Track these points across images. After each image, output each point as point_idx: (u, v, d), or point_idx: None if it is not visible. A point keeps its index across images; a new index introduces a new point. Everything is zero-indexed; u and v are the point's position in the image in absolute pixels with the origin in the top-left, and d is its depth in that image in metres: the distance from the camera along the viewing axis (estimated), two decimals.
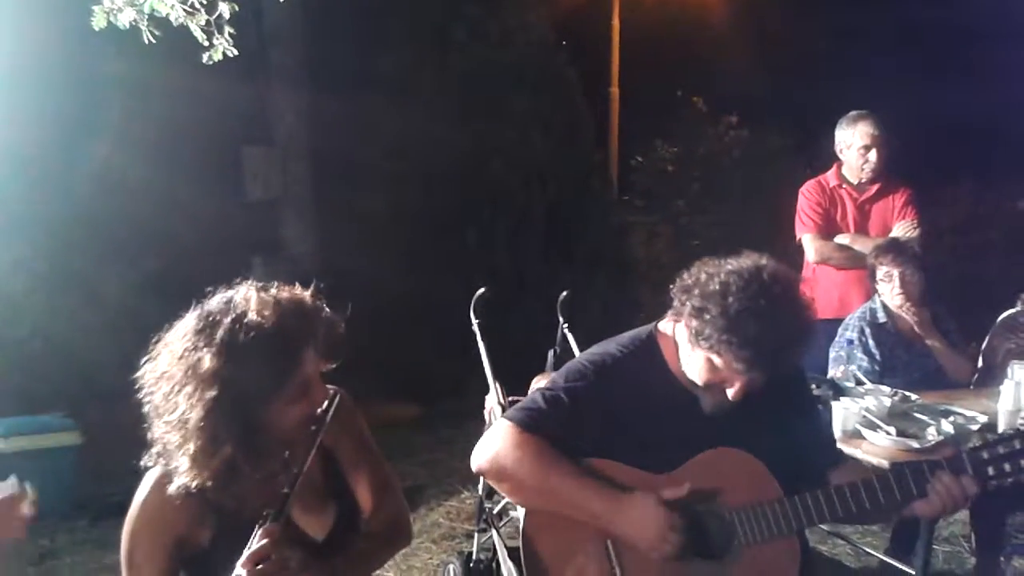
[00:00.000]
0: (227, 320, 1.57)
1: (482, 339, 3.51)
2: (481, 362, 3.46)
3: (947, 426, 2.79)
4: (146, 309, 5.83)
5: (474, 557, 3.52)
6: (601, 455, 2.03)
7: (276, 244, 6.71)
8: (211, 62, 3.26)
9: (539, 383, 2.98)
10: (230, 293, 1.64)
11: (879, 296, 3.61)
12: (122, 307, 5.83)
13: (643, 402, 2.04)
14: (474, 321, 3.54)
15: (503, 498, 3.47)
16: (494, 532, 3.37)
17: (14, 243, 5.56)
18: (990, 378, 3.55)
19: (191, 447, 1.54)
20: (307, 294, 1.68)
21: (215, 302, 1.63)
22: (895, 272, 3.52)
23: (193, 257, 5.93)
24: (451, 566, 3.53)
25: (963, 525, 4.09)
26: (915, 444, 2.67)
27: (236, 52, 3.25)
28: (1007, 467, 1.89)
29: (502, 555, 3.31)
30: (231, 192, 6.72)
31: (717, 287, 1.89)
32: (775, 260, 1.98)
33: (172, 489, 1.60)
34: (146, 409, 1.63)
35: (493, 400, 3.29)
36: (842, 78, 9.96)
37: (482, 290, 3.56)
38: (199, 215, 5.98)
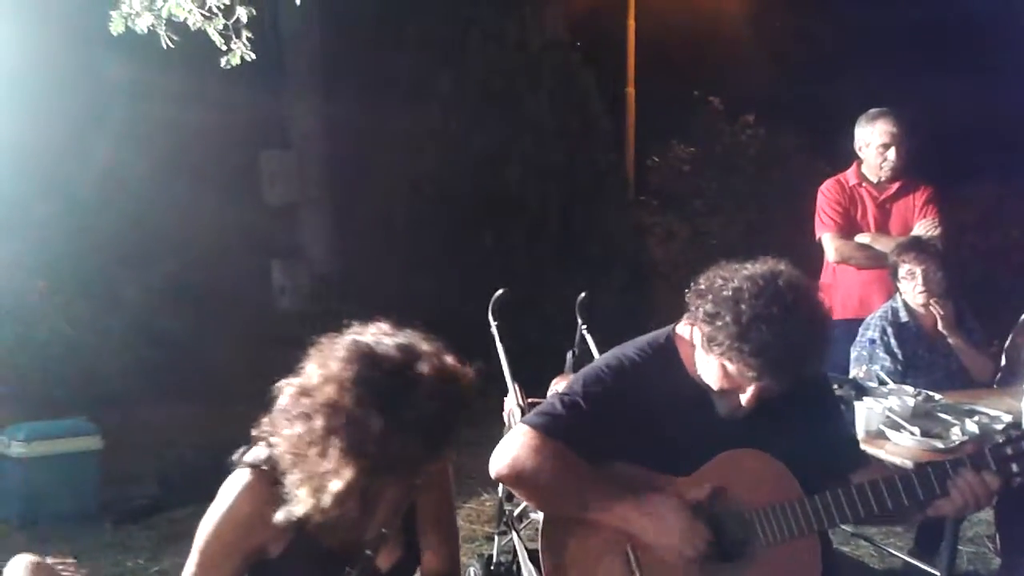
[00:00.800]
0: (401, 384, 1.51)
1: (500, 341, 3.50)
2: (499, 364, 3.45)
3: (971, 426, 2.76)
4: (164, 313, 5.90)
5: (494, 560, 3.51)
6: (620, 459, 2.02)
7: (294, 248, 6.74)
8: (229, 67, 3.28)
9: (558, 384, 2.97)
10: (406, 340, 1.58)
11: (901, 295, 3.58)
12: (140, 311, 5.89)
13: (662, 406, 2.03)
14: (492, 323, 3.53)
15: (523, 500, 3.47)
16: (514, 535, 3.36)
17: (33, 248, 5.61)
18: (1013, 377, 3.51)
19: (319, 495, 1.51)
20: (471, 375, 1.63)
21: (386, 345, 1.55)
22: (918, 270, 3.49)
23: (211, 261, 5.98)
24: (471, 569, 3.53)
25: (988, 526, 4.05)
26: (940, 444, 2.64)
27: (254, 56, 3.26)
28: None
29: (522, 558, 3.30)
30: (249, 197, 6.76)
31: (730, 293, 1.87)
32: (792, 266, 1.96)
33: (266, 499, 1.58)
34: (278, 409, 1.59)
35: (512, 402, 3.29)
36: (860, 76, 9.88)
37: (500, 291, 3.54)
38: (217, 219, 6.03)
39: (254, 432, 1.64)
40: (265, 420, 1.63)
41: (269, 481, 1.59)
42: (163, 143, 6.07)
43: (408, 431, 1.48)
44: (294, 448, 1.52)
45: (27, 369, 5.41)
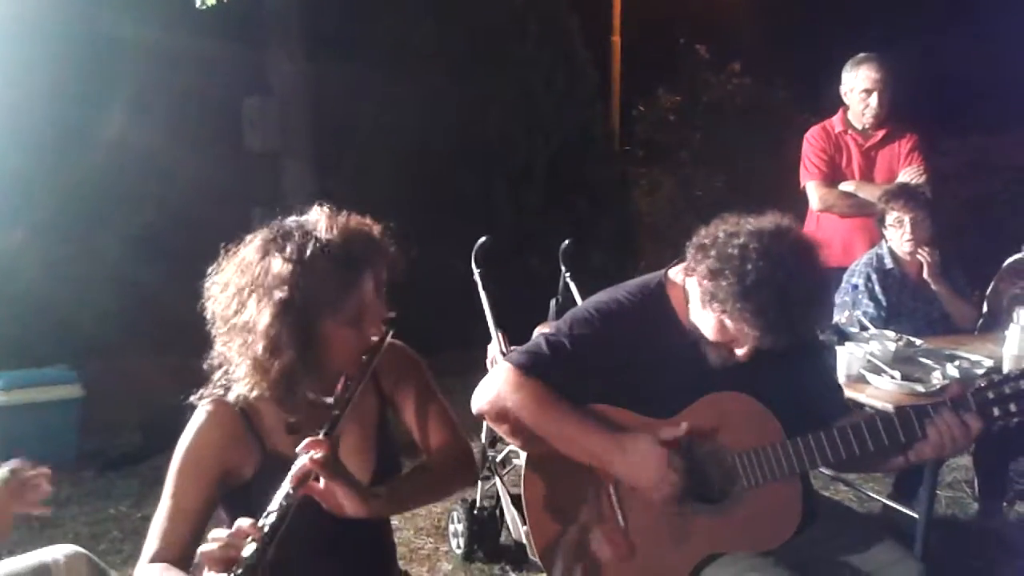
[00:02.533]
0: (298, 233, 1.65)
1: (484, 288, 3.49)
2: (483, 313, 3.44)
3: (952, 370, 2.78)
4: (144, 263, 5.84)
5: (478, 504, 3.53)
6: (603, 401, 2.02)
7: (275, 196, 6.66)
8: (204, 6, 3.20)
9: (541, 331, 2.96)
10: (303, 215, 1.71)
11: (887, 242, 3.57)
12: (119, 260, 5.83)
13: (648, 350, 2.02)
14: (475, 270, 3.52)
15: (506, 447, 3.48)
16: (497, 480, 3.39)
17: (10, 197, 5.52)
18: (994, 323, 3.54)
19: (255, 350, 1.60)
20: (376, 226, 1.73)
21: (287, 220, 1.70)
22: (906, 217, 3.47)
23: (191, 210, 5.89)
24: (455, 513, 3.55)
25: (966, 471, 4.12)
26: (920, 388, 2.65)
27: None
28: (1012, 407, 1.87)
29: (505, 502, 3.33)
30: (230, 145, 6.66)
31: (735, 252, 1.84)
32: (792, 221, 1.94)
33: (228, 423, 1.68)
34: (210, 319, 1.68)
35: (495, 349, 3.28)
36: (849, 23, 9.82)
37: (483, 239, 3.52)
38: (197, 168, 5.93)
39: (205, 367, 1.71)
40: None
41: (228, 405, 1.69)
42: (141, 90, 5.95)
43: (312, 266, 1.60)
44: (227, 329, 1.64)
45: (6, 318, 5.36)
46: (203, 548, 1.40)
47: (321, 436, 1.57)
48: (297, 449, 1.55)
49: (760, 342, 1.89)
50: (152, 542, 1.61)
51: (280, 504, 1.46)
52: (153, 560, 1.59)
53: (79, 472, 4.38)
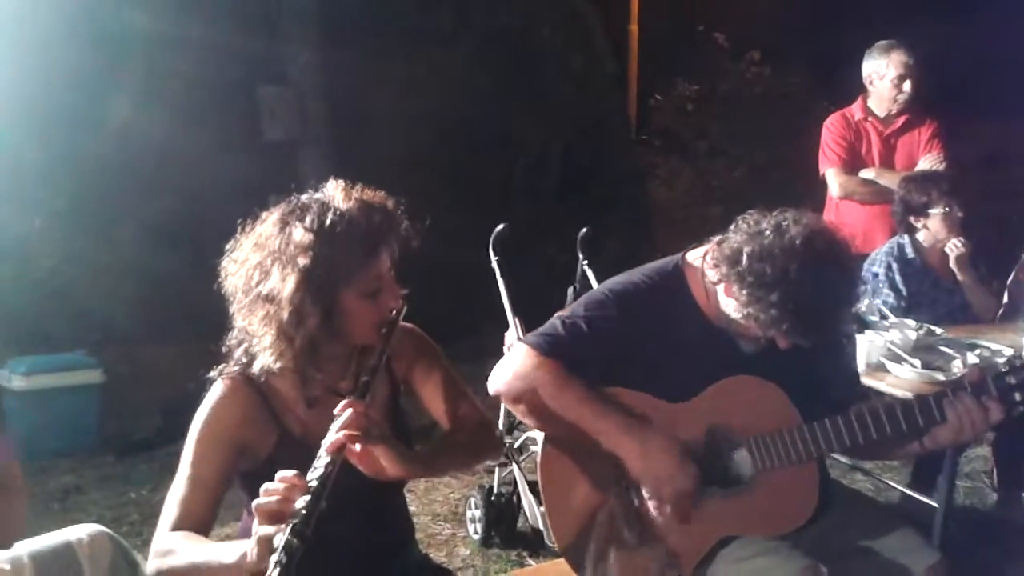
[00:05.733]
0: (316, 205, 1.68)
1: (501, 276, 3.49)
2: (499, 301, 3.45)
3: (973, 359, 2.75)
4: (162, 250, 5.87)
5: (495, 491, 3.55)
6: (618, 384, 2.02)
7: (293, 185, 6.68)
8: None
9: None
10: (319, 191, 1.74)
11: (922, 230, 3.50)
12: (138, 248, 5.86)
13: (665, 333, 2.02)
14: (493, 258, 3.52)
15: (523, 433, 3.49)
16: (515, 466, 3.40)
17: (32, 184, 5.57)
18: (1015, 312, 3.50)
19: (280, 318, 1.62)
20: (390, 200, 1.75)
21: (303, 196, 1.73)
22: (943, 206, 3.42)
23: (208, 198, 5.92)
24: (472, 499, 3.57)
25: (985, 461, 4.09)
26: (940, 376, 2.63)
27: None
28: None
29: (522, 488, 3.35)
30: (247, 133, 6.67)
31: (770, 271, 1.82)
32: (818, 217, 1.93)
33: (245, 396, 1.70)
34: (229, 296, 1.69)
35: (513, 337, 3.29)
36: (867, 12, 9.72)
37: (501, 226, 3.53)
38: (215, 156, 5.95)
39: (224, 347, 1.74)
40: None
41: (246, 382, 1.71)
42: (159, 79, 5.97)
43: (334, 236, 1.63)
44: (245, 295, 1.66)
45: (26, 305, 5.40)
46: (257, 502, 1.40)
47: (356, 400, 1.57)
48: (335, 411, 1.55)
49: (792, 340, 1.89)
50: (171, 510, 1.63)
51: (325, 465, 1.46)
52: (173, 528, 1.60)
53: (99, 457, 4.42)
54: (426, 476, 1.87)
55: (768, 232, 1.87)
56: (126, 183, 5.86)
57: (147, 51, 5.82)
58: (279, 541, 1.34)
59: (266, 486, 1.42)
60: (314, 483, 1.43)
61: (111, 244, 5.85)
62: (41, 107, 5.53)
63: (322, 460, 1.48)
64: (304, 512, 1.37)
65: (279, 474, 1.43)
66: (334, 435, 1.51)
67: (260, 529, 1.38)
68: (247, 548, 1.41)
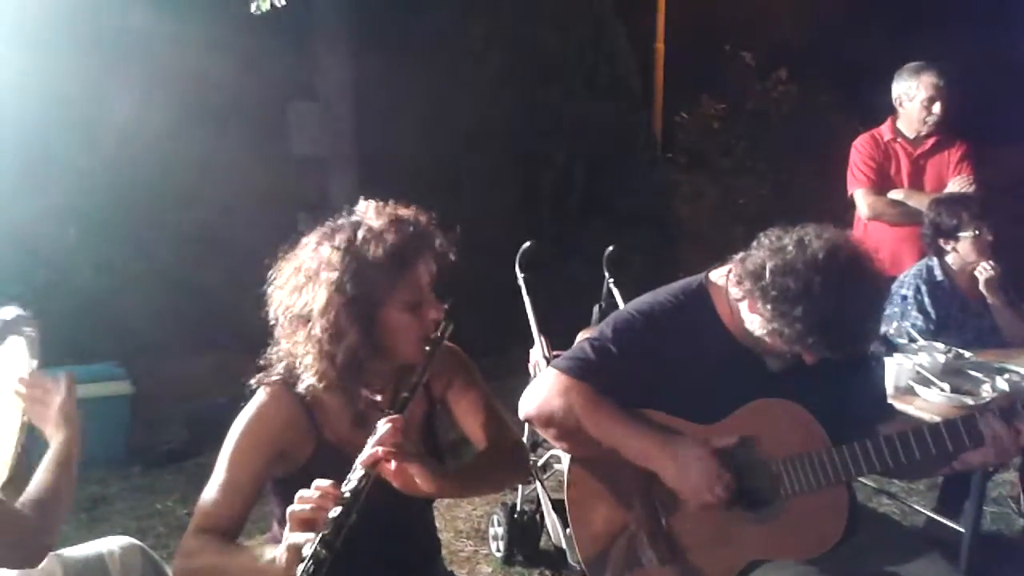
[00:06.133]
0: (348, 224, 1.72)
1: (528, 293, 3.50)
2: (523, 318, 3.46)
3: (1002, 383, 2.74)
4: (192, 263, 5.94)
5: (518, 508, 3.54)
6: (648, 406, 2.02)
7: (322, 200, 6.73)
8: (259, 12, 3.26)
9: (585, 336, 2.97)
10: (352, 213, 1.78)
11: (950, 252, 3.47)
12: (168, 261, 5.93)
13: (692, 353, 2.03)
14: (519, 275, 3.53)
15: (547, 451, 3.49)
16: (538, 484, 3.39)
17: (66, 193, 5.65)
18: None
19: (317, 335, 1.65)
20: (423, 215, 1.78)
21: (340, 218, 1.77)
22: (973, 229, 3.40)
23: (239, 212, 5.99)
24: (495, 516, 3.57)
25: (1012, 487, 4.04)
26: (970, 401, 2.62)
27: (284, 2, 3.23)
28: None
29: (546, 506, 3.34)
30: (277, 148, 6.74)
31: (794, 287, 1.83)
32: (841, 231, 1.93)
33: (286, 404, 1.72)
34: (274, 322, 1.73)
35: (538, 354, 3.29)
36: (895, 31, 9.69)
37: (528, 244, 3.54)
38: (245, 171, 6.02)
39: (262, 361, 1.77)
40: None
41: (286, 389, 1.73)
42: (191, 92, 6.05)
43: (363, 251, 1.66)
44: (287, 320, 1.70)
45: (57, 315, 5.46)
46: (292, 508, 1.42)
47: (394, 415, 1.59)
48: (378, 424, 1.57)
49: (818, 354, 1.90)
50: (202, 512, 1.65)
51: (359, 478, 1.48)
52: (203, 530, 1.62)
53: (126, 468, 4.46)
54: (458, 496, 1.88)
55: (790, 247, 1.88)
56: (160, 194, 5.94)
57: (183, 65, 5.90)
58: (308, 550, 1.36)
59: (301, 493, 1.44)
60: (347, 495, 1.45)
61: (144, 255, 5.93)
62: (77, 119, 5.63)
63: (357, 473, 1.50)
64: (335, 523, 1.39)
65: (315, 482, 1.46)
66: (370, 449, 1.53)
67: (291, 536, 1.41)
68: (276, 553, 1.44)
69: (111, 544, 1.85)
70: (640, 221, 7.85)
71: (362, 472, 1.49)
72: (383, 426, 1.56)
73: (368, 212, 1.74)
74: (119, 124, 5.75)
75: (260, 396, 1.74)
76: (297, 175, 6.77)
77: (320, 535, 1.38)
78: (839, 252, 1.85)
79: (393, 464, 1.55)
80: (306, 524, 1.41)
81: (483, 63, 7.02)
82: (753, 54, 10.76)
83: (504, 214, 6.88)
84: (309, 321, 1.66)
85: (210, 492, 1.66)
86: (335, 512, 1.41)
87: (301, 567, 1.36)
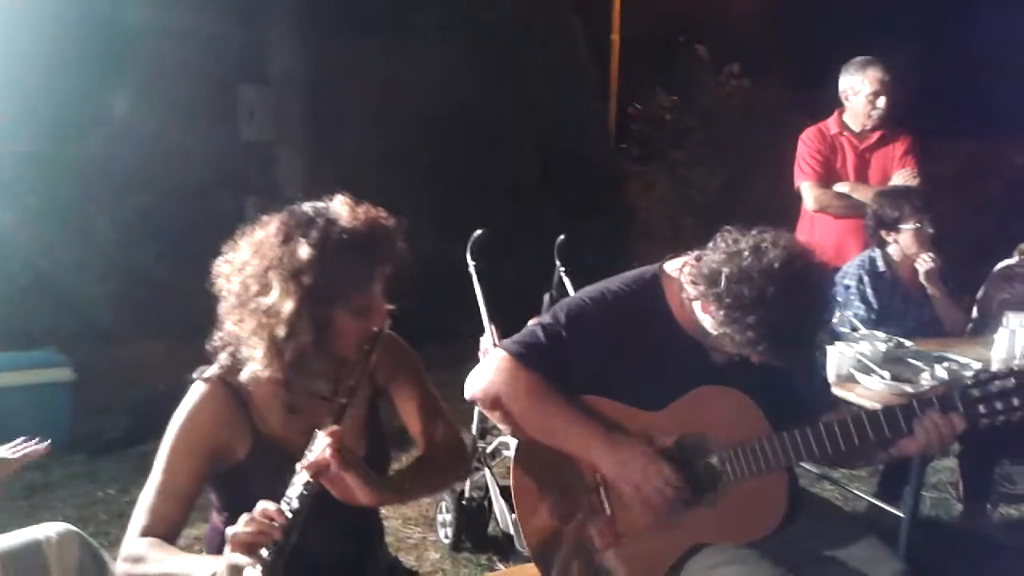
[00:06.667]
0: (321, 220, 1.67)
1: (478, 281, 3.50)
2: (474, 307, 3.45)
3: (941, 372, 2.80)
4: (137, 248, 5.84)
5: (466, 495, 3.55)
6: (594, 391, 2.03)
7: (270, 185, 6.65)
8: None
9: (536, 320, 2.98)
10: (322, 202, 1.73)
11: (891, 244, 3.54)
12: (113, 245, 5.82)
13: (641, 341, 2.04)
14: (470, 263, 3.53)
15: (496, 438, 3.50)
16: (487, 471, 3.41)
17: (4, 179, 5.51)
18: (984, 327, 3.56)
19: (275, 333, 1.62)
20: (392, 220, 1.75)
21: (307, 206, 1.72)
22: (915, 221, 3.46)
23: (185, 196, 5.89)
24: (443, 503, 3.56)
25: (951, 472, 4.14)
26: (909, 388, 2.67)
27: None
28: (998, 405, 1.89)
29: (494, 493, 3.35)
30: (225, 132, 6.65)
31: (748, 295, 1.84)
32: (796, 238, 1.95)
33: (224, 402, 1.69)
34: (220, 298, 1.69)
35: (488, 342, 3.29)
36: (848, 27, 9.84)
37: (479, 232, 3.53)
38: (192, 154, 5.93)
39: (208, 347, 1.73)
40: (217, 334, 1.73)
41: (225, 386, 1.70)
42: (138, 75, 5.95)
43: (335, 254, 1.63)
44: (239, 303, 1.65)
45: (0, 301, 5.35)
46: (232, 530, 1.41)
47: (333, 427, 1.58)
48: (318, 436, 1.56)
49: (767, 360, 1.92)
50: (142, 516, 1.62)
51: (301, 493, 1.48)
52: (144, 534, 1.60)
53: (69, 455, 4.37)
54: (396, 503, 1.87)
55: (747, 253, 1.88)
56: (102, 178, 5.82)
57: (126, 46, 5.79)
58: (249, 574, 1.37)
59: (244, 517, 1.43)
60: (291, 515, 1.45)
61: (86, 239, 5.81)
62: (16, 101, 5.49)
63: (296, 488, 1.50)
64: (278, 547, 1.40)
65: (260, 505, 1.44)
66: (310, 459, 1.53)
67: (233, 556, 1.40)
68: (217, 569, 1.43)
69: (48, 530, 1.81)
70: (593, 211, 7.88)
71: (303, 487, 1.50)
72: (322, 440, 1.55)
73: (341, 210, 1.70)
74: (61, 106, 5.63)
75: (194, 393, 1.71)
76: (245, 159, 6.68)
77: (262, 562, 1.38)
78: (794, 262, 1.86)
79: (333, 467, 1.55)
80: (248, 548, 1.40)
81: (438, 49, 6.98)
82: (707, 47, 10.85)
83: (456, 200, 6.86)
84: (270, 316, 1.63)
85: (148, 494, 1.65)
86: (278, 534, 1.41)
87: None
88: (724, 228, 1.98)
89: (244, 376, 1.67)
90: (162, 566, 1.54)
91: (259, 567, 1.36)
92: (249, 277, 1.65)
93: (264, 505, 1.44)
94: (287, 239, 1.65)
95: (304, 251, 1.62)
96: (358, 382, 1.68)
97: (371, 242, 1.67)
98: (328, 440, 1.55)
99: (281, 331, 1.61)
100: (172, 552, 1.57)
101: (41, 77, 5.53)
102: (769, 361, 1.92)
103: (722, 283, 1.87)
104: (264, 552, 1.39)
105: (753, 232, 1.93)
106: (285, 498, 1.49)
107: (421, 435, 1.89)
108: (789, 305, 1.82)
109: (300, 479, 1.51)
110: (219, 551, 1.50)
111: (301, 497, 1.48)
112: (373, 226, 1.69)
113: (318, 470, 1.52)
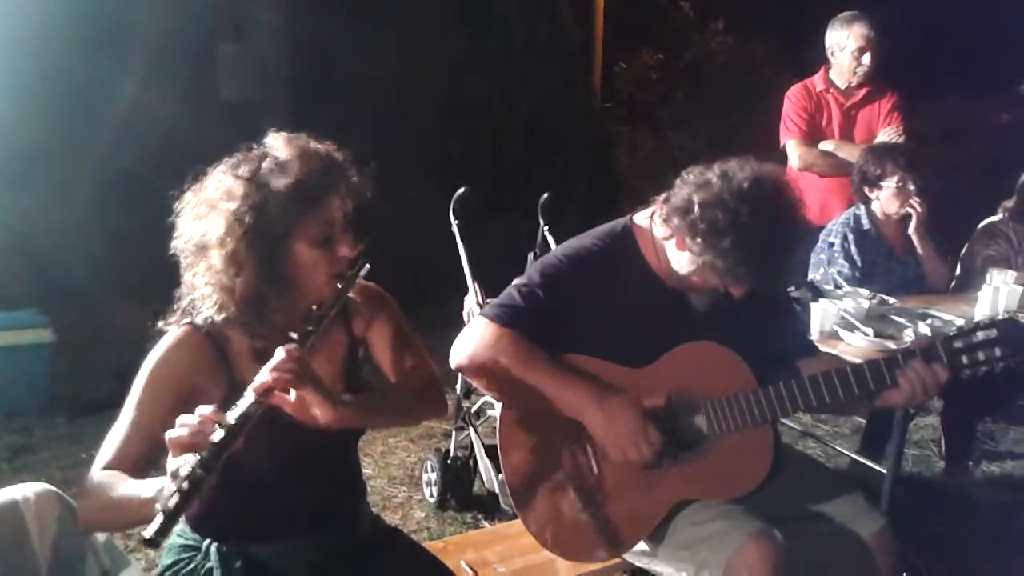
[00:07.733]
0: (256, 154, 1.67)
1: (462, 240, 3.47)
2: (461, 271, 3.43)
3: (924, 328, 2.80)
4: (116, 209, 5.75)
5: (451, 454, 3.55)
6: (577, 350, 2.02)
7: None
8: None
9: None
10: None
11: (874, 201, 3.53)
12: (92, 206, 5.74)
13: (619, 295, 2.03)
14: (454, 222, 3.50)
15: (480, 398, 3.50)
16: (471, 430, 3.41)
17: None
18: (968, 284, 3.57)
19: (215, 266, 1.61)
20: (337, 150, 1.72)
21: (244, 146, 1.71)
22: (897, 179, 3.44)
23: (167, 157, 5.79)
24: (428, 462, 3.57)
25: (933, 430, 4.18)
26: (892, 345, 2.68)
27: None
28: (980, 356, 1.89)
29: (479, 452, 3.36)
30: (204, 92, 6.54)
31: (722, 218, 1.83)
32: (761, 162, 1.94)
33: (195, 339, 1.67)
34: (177, 253, 1.67)
35: (472, 301, 3.28)
36: None
37: (462, 190, 3.50)
38: (173, 115, 5.83)
39: (175, 305, 1.71)
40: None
41: (201, 332, 1.68)
42: (114, 35, 5.83)
43: (267, 182, 1.62)
44: (186, 247, 1.64)
45: None
46: (170, 433, 1.38)
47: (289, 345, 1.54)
48: (276, 354, 1.52)
49: (748, 286, 1.91)
50: (106, 451, 1.60)
51: (243, 412, 1.44)
52: (105, 468, 1.57)
53: (50, 417, 4.35)
54: (362, 424, 1.80)
55: (715, 180, 1.88)
56: (82, 140, 5.72)
57: (102, 5, 5.66)
58: (185, 471, 1.33)
59: (180, 418, 1.40)
60: (232, 420, 1.41)
61: (63, 203, 5.72)
62: None
63: (246, 400, 1.46)
64: (216, 446, 1.36)
65: (198, 409, 1.42)
66: (264, 376, 1.49)
67: (171, 462, 1.37)
68: (164, 485, 1.39)
69: (25, 491, 1.79)
70: (578, 171, 7.85)
71: (252, 399, 1.46)
72: (279, 354, 1.52)
73: (277, 143, 1.69)
74: (37, 70, 5.51)
75: (169, 337, 1.69)
76: (225, 120, 6.57)
77: (199, 456, 1.34)
78: (763, 182, 1.86)
79: (292, 394, 1.52)
80: (185, 448, 1.36)
81: (421, 11, 6.88)
82: (691, 4, 10.75)
83: (442, 163, 6.81)
84: (206, 250, 1.62)
85: (117, 431, 1.62)
86: (218, 436, 1.37)
87: (175, 485, 1.33)
88: (689, 167, 1.98)
89: (200, 320, 1.65)
90: (112, 491, 1.50)
91: (197, 465, 1.33)
92: (194, 223, 1.64)
93: (203, 409, 1.41)
94: (222, 175, 1.65)
95: (231, 182, 1.62)
96: (327, 312, 1.65)
97: (307, 168, 1.64)
98: (282, 355, 1.51)
99: (219, 263, 1.60)
100: (124, 479, 1.53)
101: (12, 42, 5.41)
102: (752, 287, 1.91)
103: (695, 210, 1.87)
104: (203, 452, 1.35)
105: (718, 163, 1.94)
106: (230, 411, 1.45)
107: (391, 364, 1.86)
108: (763, 223, 1.82)
109: (245, 400, 1.46)
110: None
111: (241, 416, 1.43)
112: (309, 153, 1.67)
113: (268, 387, 1.48)
